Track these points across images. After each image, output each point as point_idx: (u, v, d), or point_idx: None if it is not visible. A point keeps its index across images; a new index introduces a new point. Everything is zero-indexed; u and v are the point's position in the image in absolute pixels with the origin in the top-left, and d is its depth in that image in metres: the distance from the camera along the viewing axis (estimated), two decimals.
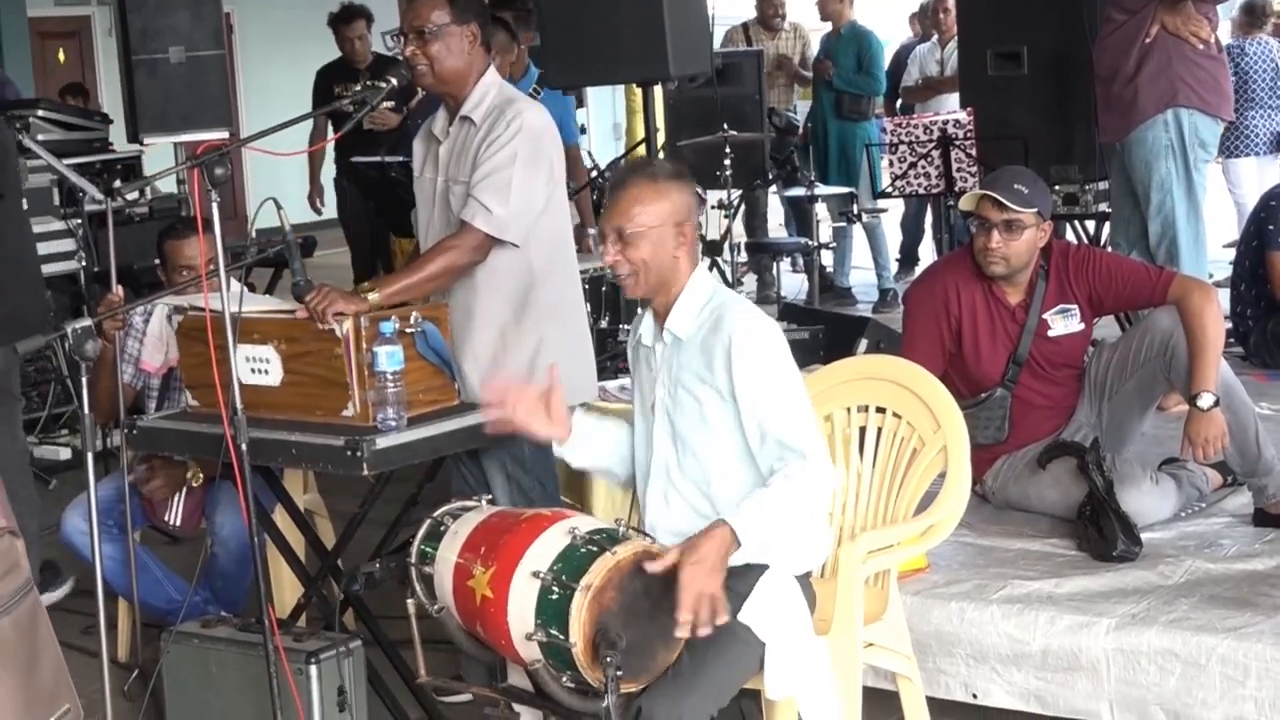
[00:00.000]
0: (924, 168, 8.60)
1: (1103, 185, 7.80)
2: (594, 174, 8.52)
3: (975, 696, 4.39)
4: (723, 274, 8.92)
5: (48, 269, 7.98)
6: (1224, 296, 6.29)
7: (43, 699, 2.89)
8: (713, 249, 8.91)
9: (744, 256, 9.88)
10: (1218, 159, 9.58)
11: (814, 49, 11.67)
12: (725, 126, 8.68)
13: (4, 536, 2.84)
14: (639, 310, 3.92)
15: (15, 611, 2.82)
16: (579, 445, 3.90)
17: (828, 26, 11.53)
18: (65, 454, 7.88)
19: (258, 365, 4.26)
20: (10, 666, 2.81)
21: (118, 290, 4.95)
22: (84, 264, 7.91)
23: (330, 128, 8.67)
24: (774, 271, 10.93)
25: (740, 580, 3.54)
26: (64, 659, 3.03)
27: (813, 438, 3.61)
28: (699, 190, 7.77)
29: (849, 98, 11.09)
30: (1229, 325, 6.65)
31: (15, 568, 2.85)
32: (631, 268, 3.70)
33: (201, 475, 4.94)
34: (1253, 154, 11.23)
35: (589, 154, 9.60)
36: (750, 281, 11.14)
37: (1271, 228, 7.34)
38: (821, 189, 10.14)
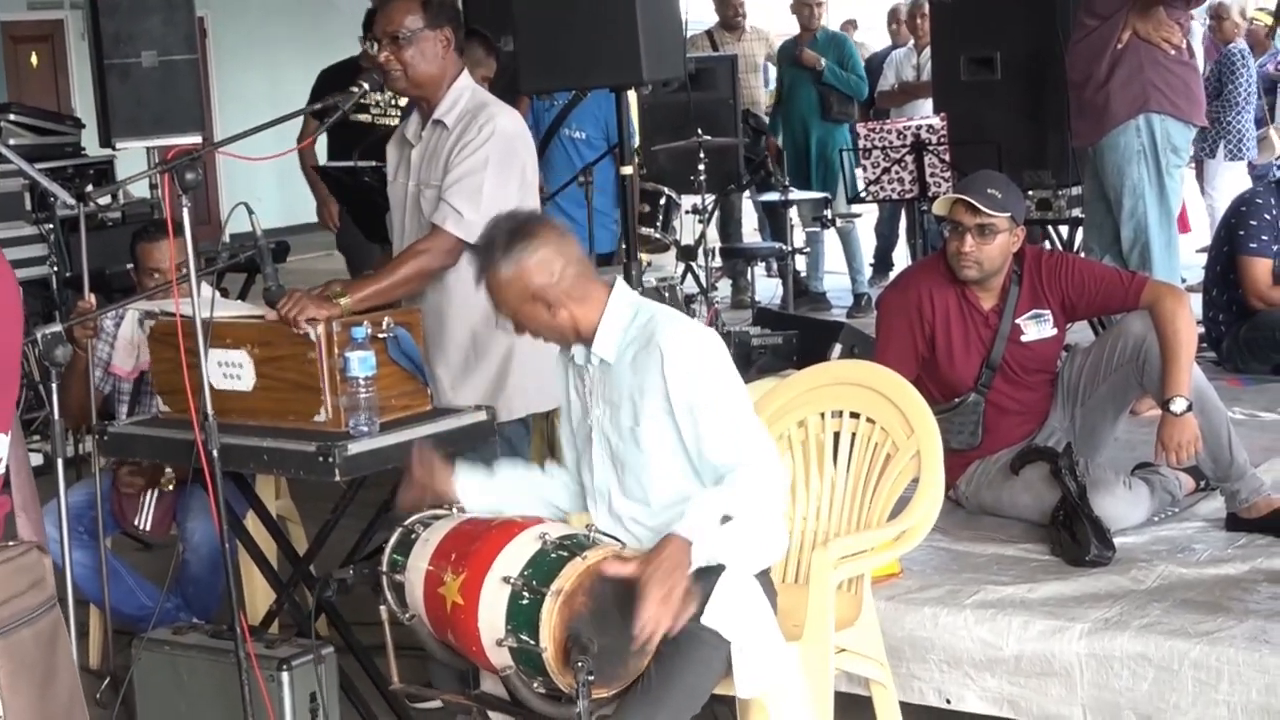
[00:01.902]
0: (897, 173, 8.61)
1: (1076, 190, 7.82)
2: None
3: (949, 702, 4.39)
4: (697, 279, 8.92)
5: (21, 274, 7.99)
6: (1196, 301, 6.31)
7: (57, 718, 2.88)
8: (687, 254, 8.92)
9: (718, 261, 9.90)
10: (1188, 162, 9.61)
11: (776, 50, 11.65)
12: (699, 131, 8.68)
13: (31, 551, 2.84)
14: None
15: (37, 625, 2.82)
16: (473, 501, 3.86)
17: (788, 33, 11.50)
18: (36, 460, 7.83)
19: (230, 370, 4.25)
20: (27, 678, 2.80)
21: (90, 298, 4.93)
22: (56, 269, 7.87)
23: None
24: (748, 276, 10.95)
25: (700, 583, 3.53)
26: (80, 684, 3.03)
27: (751, 446, 3.57)
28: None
29: (837, 98, 11.00)
30: (1201, 330, 6.67)
31: (40, 582, 2.86)
32: (533, 334, 3.72)
33: (174, 478, 4.92)
34: (1244, 157, 11.29)
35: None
36: (725, 286, 11.15)
37: (1242, 233, 7.37)
38: (796, 194, 10.14)
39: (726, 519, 3.46)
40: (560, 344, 3.78)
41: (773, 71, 12.15)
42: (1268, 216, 7.36)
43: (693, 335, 3.64)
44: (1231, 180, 11.26)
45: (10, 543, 2.81)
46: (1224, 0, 11.23)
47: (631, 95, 7.10)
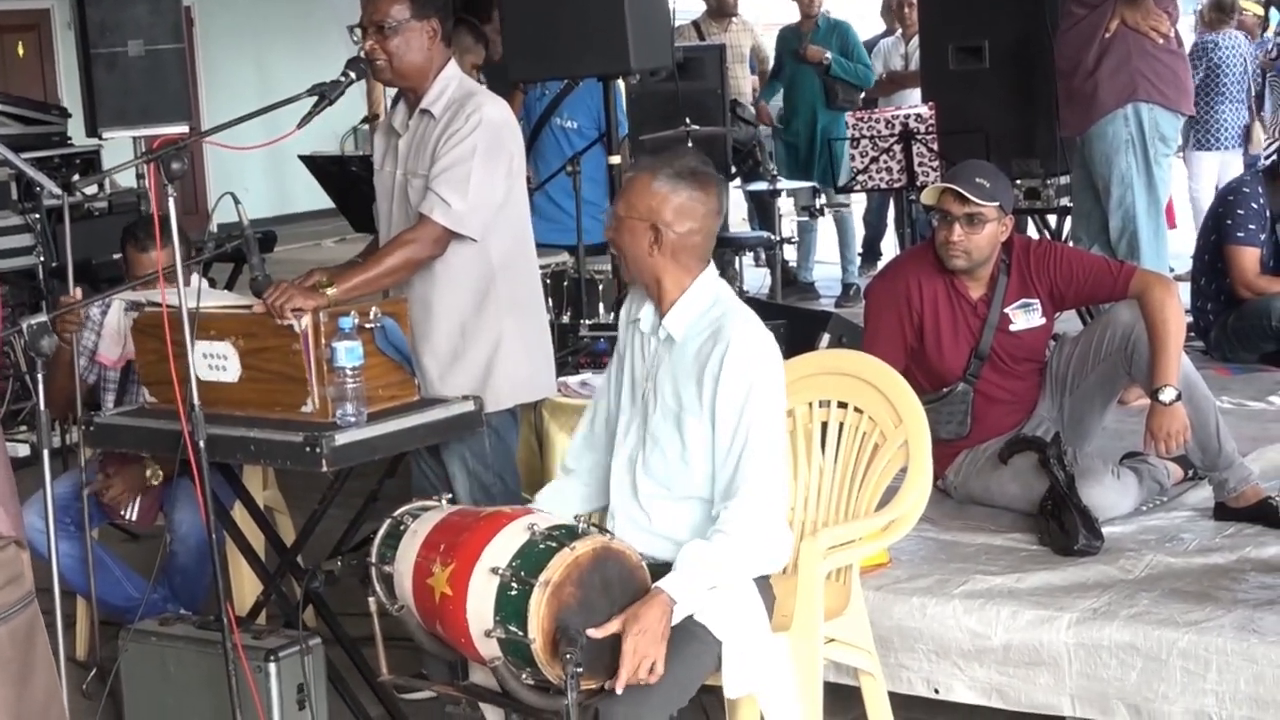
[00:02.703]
0: (886, 162, 8.60)
1: (1064, 179, 7.82)
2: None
3: (937, 691, 4.39)
4: None
5: (7, 264, 7.99)
6: (1184, 291, 6.31)
7: (33, 715, 2.86)
8: None
9: None
10: (1178, 153, 9.63)
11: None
12: (687, 121, 8.65)
13: (9, 546, 2.82)
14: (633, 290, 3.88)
15: (13, 622, 2.80)
16: None
17: (775, 23, 11.43)
18: (23, 450, 7.81)
19: (215, 361, 4.23)
20: (3, 676, 2.78)
21: (75, 291, 4.91)
22: (42, 259, 7.85)
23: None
24: (736, 266, 10.93)
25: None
26: (58, 680, 3.00)
27: (762, 481, 3.56)
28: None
29: (843, 86, 10.95)
30: (1189, 319, 6.67)
31: (18, 578, 2.84)
32: (618, 248, 3.73)
33: (161, 474, 4.90)
34: (1221, 148, 11.28)
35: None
36: None
37: (1229, 222, 7.36)
38: (784, 183, 10.12)
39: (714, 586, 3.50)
40: (631, 281, 3.77)
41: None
42: (1255, 205, 7.36)
43: (761, 338, 3.65)
44: (1207, 170, 11.28)
45: None
46: None
47: (621, 84, 7.08)
